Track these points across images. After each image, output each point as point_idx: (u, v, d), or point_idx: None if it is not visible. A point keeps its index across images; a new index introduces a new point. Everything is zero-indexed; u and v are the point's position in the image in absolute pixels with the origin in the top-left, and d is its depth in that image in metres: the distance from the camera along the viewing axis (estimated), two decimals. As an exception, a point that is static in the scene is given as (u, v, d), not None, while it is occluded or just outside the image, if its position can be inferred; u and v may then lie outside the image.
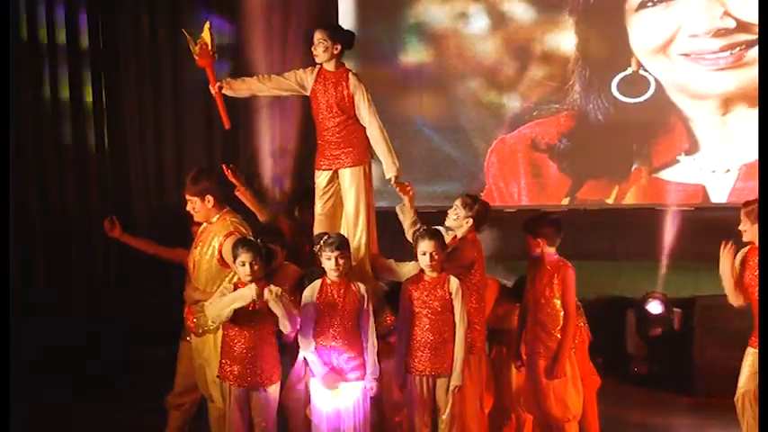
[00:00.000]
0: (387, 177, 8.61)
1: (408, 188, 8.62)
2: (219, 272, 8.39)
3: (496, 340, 9.10)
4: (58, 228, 12.01)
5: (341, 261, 8.08)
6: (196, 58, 8.78)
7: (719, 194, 11.89)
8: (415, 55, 12.61)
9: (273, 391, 8.31)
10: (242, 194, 9.14)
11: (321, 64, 8.73)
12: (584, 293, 9.13)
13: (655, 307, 11.10)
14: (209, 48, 8.76)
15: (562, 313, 8.69)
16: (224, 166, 9.10)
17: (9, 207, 8.83)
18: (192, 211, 8.58)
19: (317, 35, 8.65)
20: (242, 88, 8.94)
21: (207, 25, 8.74)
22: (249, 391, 8.23)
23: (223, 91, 8.79)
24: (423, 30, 12.62)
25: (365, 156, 8.75)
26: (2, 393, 7.51)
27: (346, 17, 12.54)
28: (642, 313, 11.16)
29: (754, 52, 12.06)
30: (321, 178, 8.76)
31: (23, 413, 9.10)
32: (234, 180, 9.08)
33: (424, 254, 8.16)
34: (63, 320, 11.34)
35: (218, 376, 8.27)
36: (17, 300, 9.95)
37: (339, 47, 8.67)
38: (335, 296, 8.16)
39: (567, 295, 8.70)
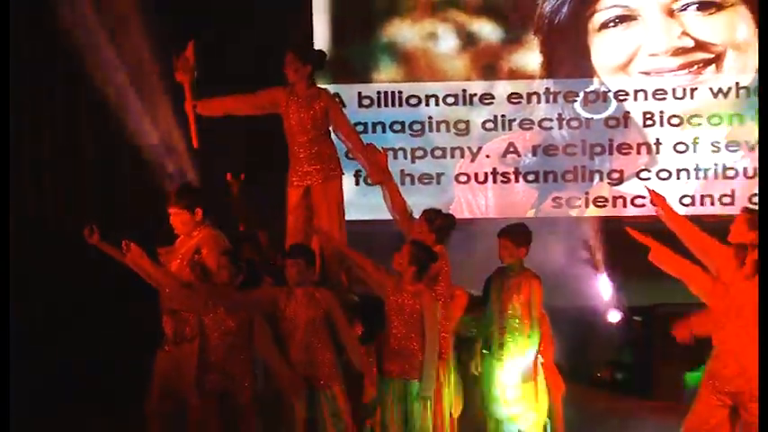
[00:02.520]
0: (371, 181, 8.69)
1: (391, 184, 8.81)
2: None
3: (466, 347, 9.06)
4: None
5: (296, 270, 8.13)
6: (176, 72, 8.78)
7: (678, 206, 11.86)
8: (387, 73, 12.54)
9: (249, 397, 8.32)
10: (235, 205, 9.11)
11: (293, 83, 8.72)
12: (549, 301, 9.05)
13: (615, 316, 11.14)
14: (190, 64, 8.76)
15: (528, 321, 8.78)
16: (228, 175, 9.08)
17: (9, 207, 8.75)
18: (177, 223, 8.58)
19: (288, 56, 8.70)
20: (216, 108, 9.00)
21: (191, 44, 8.75)
22: (225, 395, 8.24)
23: (198, 110, 8.83)
24: (394, 49, 12.56)
25: (336, 171, 8.83)
26: (2, 393, 7.48)
27: (321, 37, 12.48)
28: (604, 321, 11.20)
29: (711, 70, 12.13)
30: (293, 194, 8.77)
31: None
32: (234, 190, 9.08)
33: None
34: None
35: (199, 380, 8.25)
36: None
37: (309, 67, 8.69)
38: (299, 304, 8.18)
39: (535, 304, 8.80)
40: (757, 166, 11.68)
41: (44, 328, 11.34)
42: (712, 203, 12.02)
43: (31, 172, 12.19)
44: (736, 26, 12.03)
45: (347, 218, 9.06)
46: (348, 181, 9.20)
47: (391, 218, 9.00)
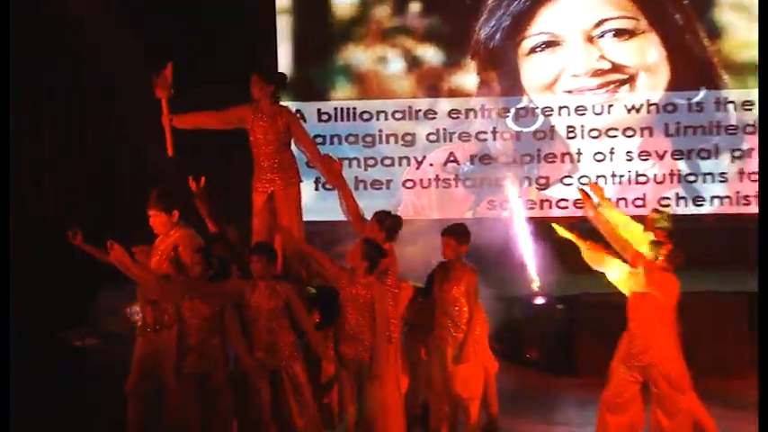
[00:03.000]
0: (329, 187, 8.68)
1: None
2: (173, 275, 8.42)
3: (411, 332, 9.06)
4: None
5: (260, 265, 8.13)
6: (156, 89, 8.78)
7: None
8: (343, 92, 12.53)
9: (222, 377, 8.29)
10: (200, 205, 9.05)
11: (258, 101, 8.72)
12: (485, 291, 9.10)
13: (541, 302, 11.17)
14: (168, 82, 8.76)
15: (466, 309, 8.76)
16: (191, 179, 8.99)
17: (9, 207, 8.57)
18: (157, 224, 8.58)
19: (253, 78, 8.73)
20: (189, 122, 9.02)
21: (169, 64, 8.75)
22: (202, 376, 8.18)
23: (173, 123, 8.85)
24: (349, 71, 12.55)
25: (295, 178, 8.87)
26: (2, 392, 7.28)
27: (284, 61, 12.48)
28: (532, 307, 11.21)
29: (625, 89, 12.18)
30: (258, 198, 8.77)
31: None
32: (197, 192, 9.00)
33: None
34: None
35: (178, 364, 8.21)
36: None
37: (273, 87, 8.71)
38: (263, 296, 8.17)
39: (472, 294, 8.79)
40: (756, 169, 11.75)
41: (44, 328, 11.01)
42: (626, 205, 12.02)
43: (31, 172, 11.94)
44: (647, 51, 12.09)
45: (307, 219, 9.04)
46: (308, 187, 9.21)
47: (346, 219, 8.99)
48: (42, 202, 11.98)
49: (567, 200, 11.99)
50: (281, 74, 9.37)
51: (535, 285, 11.16)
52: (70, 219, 11.47)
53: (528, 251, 11.22)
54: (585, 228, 8.64)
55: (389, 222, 8.69)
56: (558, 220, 10.27)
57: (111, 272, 8.41)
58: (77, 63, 12.07)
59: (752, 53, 11.94)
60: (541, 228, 11.33)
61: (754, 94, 11.92)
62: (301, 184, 8.92)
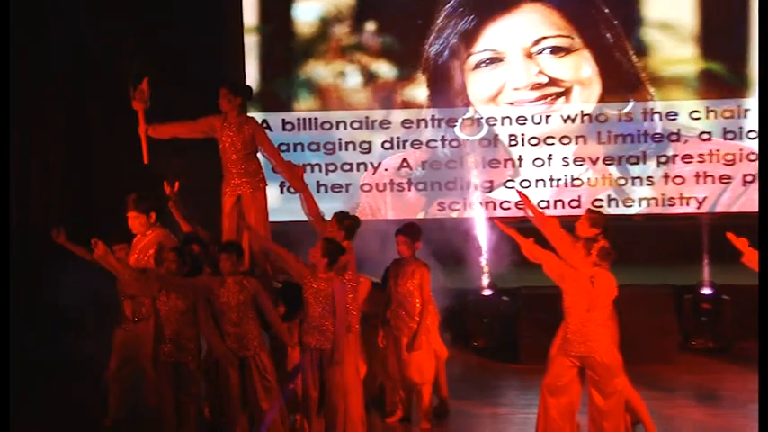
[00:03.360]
0: (293, 190, 8.63)
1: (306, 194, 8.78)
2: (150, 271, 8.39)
3: (369, 323, 9.04)
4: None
5: (230, 262, 8.10)
6: (133, 102, 8.76)
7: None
8: (305, 104, 12.49)
9: (194, 365, 8.29)
10: (173, 208, 9.02)
11: (226, 112, 8.71)
12: (436, 285, 9.09)
13: (487, 294, 11.18)
14: (145, 96, 8.75)
15: (419, 301, 8.79)
16: (165, 183, 8.96)
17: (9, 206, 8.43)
18: (136, 224, 8.64)
19: (222, 91, 8.74)
20: (164, 131, 9.03)
21: (146, 79, 8.75)
22: (177, 364, 8.17)
23: (149, 133, 8.86)
24: (311, 84, 12.51)
25: (261, 183, 8.92)
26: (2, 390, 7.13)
27: (251, 75, 12.41)
28: (479, 299, 11.23)
29: (561, 101, 12.15)
30: (227, 201, 8.78)
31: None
32: (171, 195, 8.97)
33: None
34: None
35: (155, 352, 8.24)
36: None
37: (239, 99, 8.71)
38: (232, 291, 8.13)
39: (424, 288, 8.82)
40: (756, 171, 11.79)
41: (44, 328, 10.79)
42: (563, 207, 12.05)
43: (33, 174, 11.73)
44: (581, 66, 12.11)
45: (272, 220, 9.07)
46: (273, 190, 9.21)
47: (308, 219, 8.97)
48: (42, 202, 11.77)
49: (509, 201, 12.00)
50: (248, 87, 9.35)
51: (481, 279, 11.16)
52: (54, 219, 11.38)
53: (474, 248, 11.24)
54: (526, 227, 8.66)
55: (348, 222, 8.73)
56: (502, 220, 10.28)
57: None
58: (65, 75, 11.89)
59: (675, 68, 12.08)
60: (486, 226, 11.38)
61: (677, 105, 12.02)
62: (267, 188, 8.95)
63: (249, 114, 8.95)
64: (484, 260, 11.27)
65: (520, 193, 8.94)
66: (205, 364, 8.39)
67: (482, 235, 11.38)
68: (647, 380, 9.10)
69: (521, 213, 10.71)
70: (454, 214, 12.21)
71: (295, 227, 9.41)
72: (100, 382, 8.84)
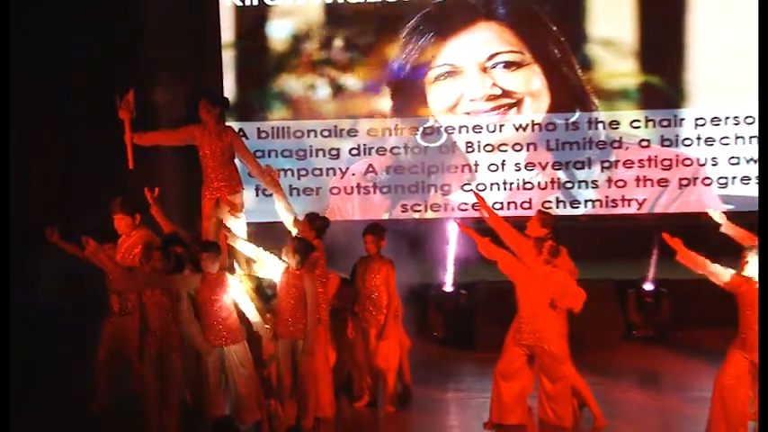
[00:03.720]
0: (267, 193, 8.59)
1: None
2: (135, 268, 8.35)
3: (338, 315, 9.05)
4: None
5: (210, 261, 8.12)
6: (120, 111, 8.73)
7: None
8: (279, 114, 12.44)
9: (177, 355, 8.24)
10: (155, 211, 8.99)
11: (206, 121, 8.69)
12: (400, 280, 9.13)
13: (447, 289, 11.18)
14: (130, 106, 8.73)
15: (385, 295, 8.85)
16: (146, 190, 8.91)
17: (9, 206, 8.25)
18: (122, 226, 8.62)
19: (202, 102, 8.72)
20: (148, 140, 9.00)
21: (131, 91, 8.73)
22: (160, 353, 8.14)
23: (134, 141, 8.82)
24: (284, 96, 12.46)
25: (238, 187, 8.94)
26: (2, 388, 6.95)
27: (229, 87, 12.31)
28: (439, 294, 11.23)
29: (513, 111, 12.09)
30: (207, 204, 8.80)
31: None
32: (152, 200, 8.93)
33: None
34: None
35: (140, 343, 8.18)
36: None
37: (218, 109, 8.71)
38: (212, 285, 8.16)
39: (390, 283, 8.85)
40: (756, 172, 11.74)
41: (44, 328, 10.53)
42: (516, 208, 12.01)
43: (33, 174, 11.58)
44: (532, 79, 12.09)
45: (248, 221, 9.05)
46: (249, 193, 9.18)
47: (281, 220, 8.96)
48: (42, 202, 11.63)
49: (466, 203, 11.97)
50: (225, 98, 9.37)
51: (442, 274, 11.18)
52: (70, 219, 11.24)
53: (434, 245, 11.25)
54: (483, 228, 8.69)
55: (318, 223, 8.77)
56: (462, 220, 10.30)
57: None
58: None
59: (617, 81, 12.06)
60: (446, 225, 11.40)
61: (619, 115, 12.01)
62: (243, 191, 8.93)
63: (227, 123, 8.94)
64: (444, 257, 11.28)
65: (476, 195, 8.99)
66: (187, 354, 8.34)
67: (442, 234, 11.40)
68: (593, 366, 9.15)
69: (477, 214, 10.75)
70: (416, 215, 12.17)
71: (269, 227, 9.41)
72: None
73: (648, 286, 11.11)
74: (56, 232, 8.42)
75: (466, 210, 11.84)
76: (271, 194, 9.39)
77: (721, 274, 7.82)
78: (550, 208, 11.49)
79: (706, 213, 8.88)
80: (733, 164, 11.91)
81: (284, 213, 8.83)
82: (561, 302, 8.15)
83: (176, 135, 8.88)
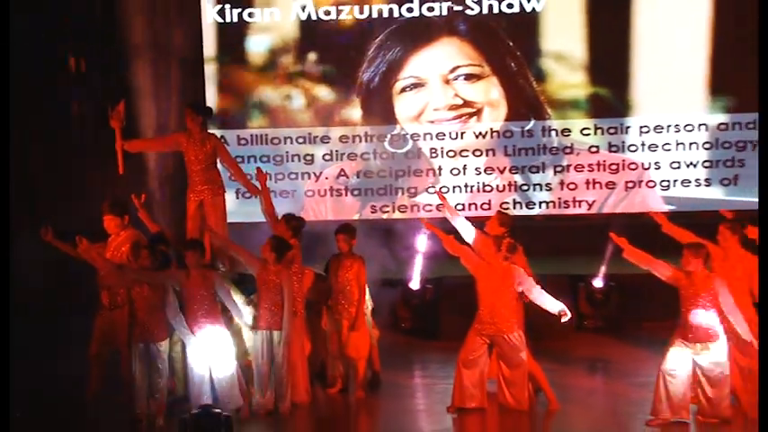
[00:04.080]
0: (247, 196, 8.64)
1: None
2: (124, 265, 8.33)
3: (313, 308, 9.04)
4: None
5: (194, 258, 8.11)
6: (111, 121, 8.68)
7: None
8: (257, 122, 12.40)
9: (164, 346, 8.24)
10: (142, 215, 8.94)
11: (191, 129, 8.66)
12: (370, 275, 9.15)
13: (414, 284, 11.18)
14: (121, 116, 8.69)
15: (356, 289, 8.82)
16: (133, 196, 8.89)
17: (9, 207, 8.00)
18: (112, 226, 8.52)
19: (187, 111, 8.72)
20: (137, 146, 8.94)
21: (122, 102, 8.74)
22: (147, 345, 8.12)
23: (125, 148, 8.77)
24: (262, 106, 12.42)
25: (221, 189, 8.96)
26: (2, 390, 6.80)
27: (211, 98, 12.23)
28: (406, 288, 11.21)
29: (474, 120, 12.07)
30: (191, 205, 8.76)
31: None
32: (139, 205, 8.91)
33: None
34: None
35: (129, 335, 8.17)
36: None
37: (201, 118, 8.69)
38: (196, 281, 8.16)
39: (361, 278, 8.81)
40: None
41: (44, 328, 10.28)
42: (476, 209, 12.00)
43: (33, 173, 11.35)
44: (490, 91, 12.09)
45: (230, 221, 9.08)
46: (230, 196, 9.17)
47: (260, 220, 9.00)
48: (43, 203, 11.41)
49: (431, 205, 11.97)
50: (209, 108, 9.33)
51: (409, 269, 11.15)
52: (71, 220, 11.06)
53: (403, 243, 11.23)
54: (445, 227, 8.68)
55: (295, 223, 8.79)
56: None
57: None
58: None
59: (568, 92, 12.09)
60: (414, 225, 11.37)
61: (570, 123, 12.04)
62: (225, 194, 8.91)
63: (210, 131, 8.91)
64: (410, 254, 11.26)
65: (440, 196, 8.98)
66: (172, 344, 8.35)
67: (408, 233, 11.38)
68: (548, 354, 9.15)
69: (441, 215, 10.77)
70: (385, 216, 12.16)
71: (249, 227, 9.40)
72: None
73: (598, 281, 11.12)
74: (50, 231, 8.36)
75: (431, 211, 11.83)
76: (250, 197, 9.39)
77: (664, 269, 7.88)
78: (508, 209, 11.49)
79: (649, 213, 8.96)
80: (674, 168, 11.97)
81: (267, 211, 8.88)
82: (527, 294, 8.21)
83: (163, 142, 8.89)
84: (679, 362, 7.79)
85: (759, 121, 7.32)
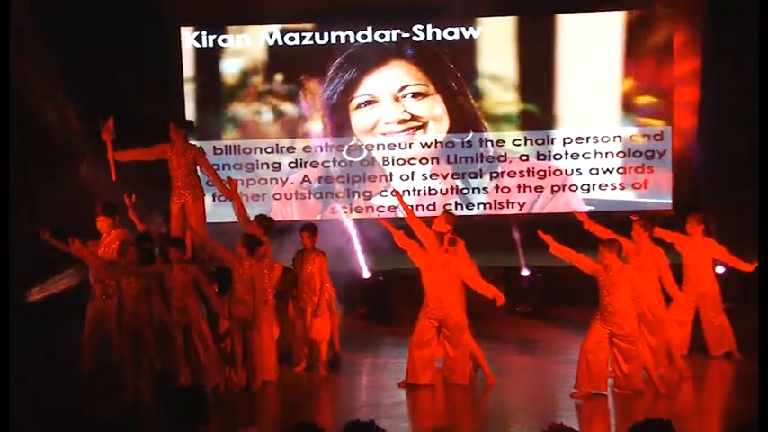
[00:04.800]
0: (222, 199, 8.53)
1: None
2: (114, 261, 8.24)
3: (281, 297, 9.00)
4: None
5: (177, 254, 8.08)
6: (102, 134, 8.60)
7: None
8: (231, 134, 12.35)
9: (149, 331, 8.20)
10: (132, 213, 8.85)
11: (174, 140, 8.61)
12: (332, 267, 9.12)
13: (368, 275, 11.17)
14: (111, 130, 8.60)
15: (319, 280, 8.77)
16: (125, 196, 8.80)
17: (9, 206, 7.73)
18: (104, 226, 8.46)
19: (171, 125, 8.71)
20: (127, 156, 8.81)
21: (111, 117, 8.62)
22: (136, 331, 8.06)
23: (115, 157, 8.68)
24: (235, 120, 12.36)
25: (201, 193, 8.89)
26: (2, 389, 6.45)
27: (190, 112, 12.16)
28: (362, 278, 11.21)
29: (420, 132, 12.10)
30: (174, 207, 8.73)
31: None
32: (129, 205, 8.82)
33: None
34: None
35: (117, 323, 8.10)
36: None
37: (184, 131, 8.62)
38: (177, 274, 8.12)
39: (322, 270, 8.76)
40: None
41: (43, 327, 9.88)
42: (423, 210, 12.02)
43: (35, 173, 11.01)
44: (434, 107, 12.15)
45: (208, 221, 8.98)
46: (208, 199, 9.06)
47: (233, 220, 8.95)
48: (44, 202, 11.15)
49: (383, 206, 12.02)
50: (190, 121, 9.28)
51: (364, 263, 11.16)
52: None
53: (359, 239, 11.25)
54: (398, 225, 8.68)
55: (266, 222, 8.79)
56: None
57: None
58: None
59: (502, 108, 12.18)
60: (367, 224, 11.37)
61: (504, 135, 12.13)
62: (204, 197, 8.85)
63: (191, 142, 8.84)
64: (366, 249, 11.26)
65: (397, 195, 8.96)
66: (157, 329, 8.26)
67: (363, 230, 11.37)
68: (485, 335, 9.16)
69: (391, 215, 10.84)
70: (343, 216, 12.13)
71: (225, 226, 9.37)
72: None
73: (526, 272, 11.19)
74: (47, 232, 8.24)
75: (383, 212, 11.84)
76: (225, 200, 9.32)
77: (584, 262, 7.96)
78: (451, 209, 11.50)
79: (573, 213, 9.03)
80: (593, 174, 12.10)
81: (240, 214, 8.82)
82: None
83: (150, 152, 8.77)
84: (598, 341, 7.87)
85: (759, 119, 7.08)
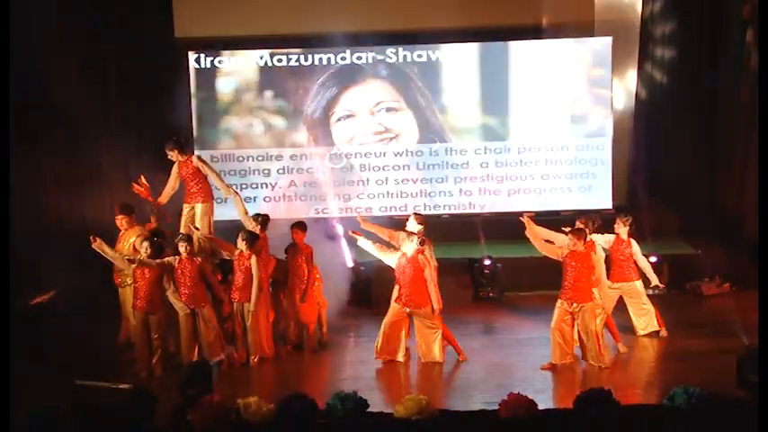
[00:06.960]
0: (219, 201, 8.92)
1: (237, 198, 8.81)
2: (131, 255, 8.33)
3: (278, 285, 9.05)
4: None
5: (187, 247, 8.15)
6: (140, 194, 8.78)
7: (379, 212, 12.10)
8: (227, 145, 12.41)
9: (161, 315, 8.24)
10: (152, 214, 9.02)
11: (174, 158, 8.75)
12: (318, 259, 9.18)
13: (351, 265, 11.11)
14: (146, 186, 8.79)
15: (308, 271, 8.86)
16: (151, 200, 8.89)
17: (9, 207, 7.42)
18: (122, 223, 8.55)
19: (166, 147, 8.71)
20: (165, 196, 8.83)
21: (141, 176, 8.82)
22: (147, 315, 8.14)
23: (158, 203, 8.87)
24: (230, 132, 12.44)
25: (209, 197, 8.83)
26: (2, 389, 6.32)
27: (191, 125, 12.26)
28: (345, 269, 11.12)
29: (393, 142, 12.22)
30: (185, 208, 8.81)
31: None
32: (153, 207, 8.94)
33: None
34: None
35: (133, 307, 8.20)
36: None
37: (176, 149, 8.69)
38: (185, 265, 8.20)
39: (310, 262, 8.87)
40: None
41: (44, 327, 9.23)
42: (396, 210, 12.17)
43: (36, 173, 10.79)
44: (406, 120, 12.24)
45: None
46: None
47: (231, 219, 9.06)
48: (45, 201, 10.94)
49: (361, 207, 12.09)
50: (178, 138, 9.02)
51: (346, 255, 11.15)
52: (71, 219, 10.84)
53: (341, 235, 11.22)
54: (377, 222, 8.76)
55: (261, 219, 8.81)
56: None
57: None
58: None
59: (465, 121, 12.25)
60: (351, 223, 11.42)
61: (467, 145, 12.21)
62: (212, 200, 8.94)
63: (196, 153, 8.90)
64: (347, 244, 11.28)
65: (363, 220, 8.95)
66: (168, 313, 8.40)
67: (344, 228, 11.39)
68: (453, 319, 9.26)
69: (367, 214, 10.86)
70: (326, 216, 12.21)
71: (227, 224, 9.40)
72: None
73: (487, 261, 11.22)
74: (97, 238, 8.13)
75: (360, 212, 11.93)
76: (222, 201, 9.40)
77: (555, 250, 8.24)
78: (420, 210, 11.64)
79: (525, 213, 9.16)
80: (544, 179, 12.30)
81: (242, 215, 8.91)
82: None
83: (172, 182, 8.75)
84: (564, 319, 8.15)
85: (759, 119, 6.94)
